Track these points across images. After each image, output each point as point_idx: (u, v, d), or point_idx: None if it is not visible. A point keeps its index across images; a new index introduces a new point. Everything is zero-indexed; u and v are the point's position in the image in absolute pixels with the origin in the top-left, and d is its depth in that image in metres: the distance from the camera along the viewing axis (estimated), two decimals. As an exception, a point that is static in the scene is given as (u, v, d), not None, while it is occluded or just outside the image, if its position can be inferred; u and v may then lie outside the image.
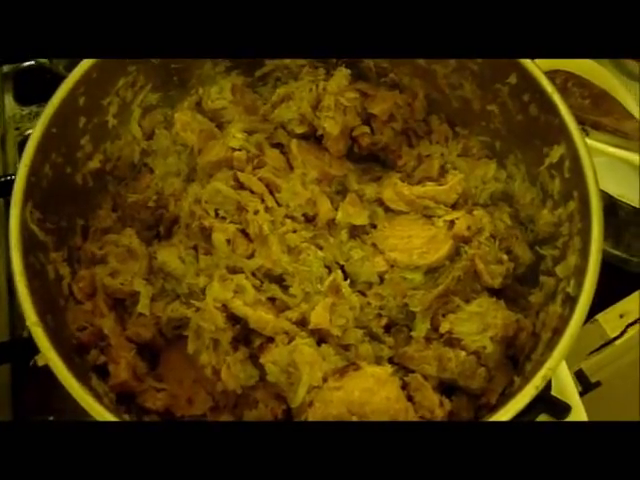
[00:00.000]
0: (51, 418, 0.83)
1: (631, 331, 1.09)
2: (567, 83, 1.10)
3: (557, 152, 0.74)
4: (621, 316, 1.10)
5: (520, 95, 0.77)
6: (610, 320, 1.10)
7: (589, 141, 1.02)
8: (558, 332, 0.65)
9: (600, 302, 1.16)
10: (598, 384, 1.21)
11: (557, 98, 0.72)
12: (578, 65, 1.13)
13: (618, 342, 1.10)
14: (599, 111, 1.09)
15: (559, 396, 0.83)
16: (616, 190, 1.07)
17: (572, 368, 1.22)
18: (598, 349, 1.14)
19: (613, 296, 1.12)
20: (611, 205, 1.02)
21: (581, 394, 1.24)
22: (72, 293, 0.75)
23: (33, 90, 1.04)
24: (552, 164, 0.75)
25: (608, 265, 1.01)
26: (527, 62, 0.74)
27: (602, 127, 1.10)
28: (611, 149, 1.03)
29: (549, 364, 0.62)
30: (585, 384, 1.22)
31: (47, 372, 0.62)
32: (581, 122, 1.08)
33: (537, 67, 0.74)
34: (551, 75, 1.06)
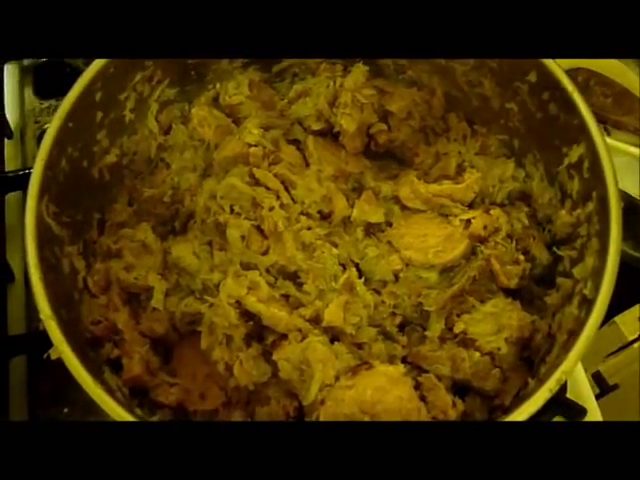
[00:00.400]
0: (65, 410, 0.84)
1: (650, 334, 1.08)
2: (589, 81, 1.09)
3: (576, 152, 0.73)
4: (640, 318, 1.09)
5: (540, 93, 0.76)
6: (628, 322, 1.09)
7: (610, 140, 1.01)
8: (574, 334, 0.64)
9: (618, 304, 1.15)
10: (616, 387, 1.20)
11: (577, 97, 0.71)
12: (600, 63, 1.12)
13: (636, 345, 1.08)
14: (621, 110, 1.08)
15: (575, 399, 0.82)
16: (637, 190, 1.05)
17: (589, 370, 1.21)
18: (616, 351, 1.12)
19: (632, 298, 1.10)
20: (631, 206, 1.01)
21: (598, 396, 1.23)
22: (87, 287, 0.75)
23: (52, 84, 1.04)
24: (571, 164, 0.74)
25: (627, 267, 1.00)
26: (547, 60, 0.73)
27: (624, 126, 1.08)
28: (632, 149, 1.02)
29: (564, 367, 0.61)
30: (603, 386, 1.20)
31: (61, 364, 0.62)
32: (602, 121, 1.08)
33: (557, 65, 0.73)
34: (572, 73, 1.06)
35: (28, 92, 1.06)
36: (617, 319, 1.10)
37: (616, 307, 1.15)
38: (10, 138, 1.01)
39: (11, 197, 0.92)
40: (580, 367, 0.88)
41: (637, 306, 1.10)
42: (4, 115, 0.99)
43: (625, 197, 1.02)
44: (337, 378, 0.70)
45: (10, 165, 0.96)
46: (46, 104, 1.04)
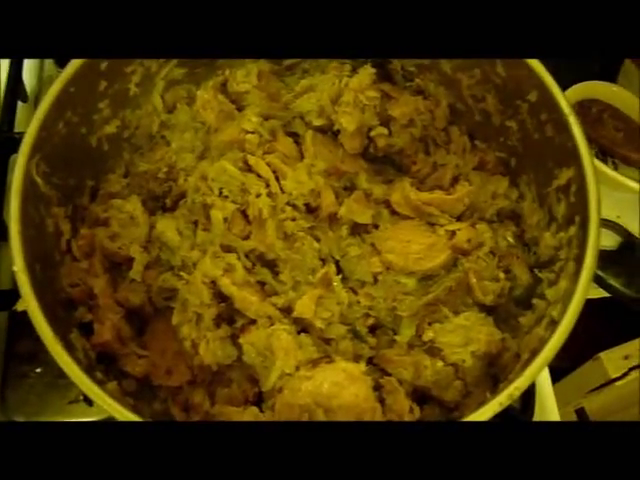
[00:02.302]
0: (38, 370, 0.85)
1: (634, 374, 1.07)
2: (603, 113, 1.08)
3: (566, 175, 0.73)
4: (625, 357, 1.08)
5: (538, 114, 0.76)
6: (613, 360, 1.08)
7: (614, 174, 1.00)
8: (535, 353, 0.63)
9: (606, 340, 1.14)
10: (597, 425, 1.18)
11: (573, 120, 0.71)
12: (618, 98, 1.11)
13: (618, 383, 1.07)
14: (631, 146, 1.07)
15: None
16: (637, 227, 1.04)
17: (572, 404, 1.20)
18: (598, 387, 1.11)
19: (620, 336, 1.10)
20: (628, 243, 1.00)
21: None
22: (70, 250, 0.77)
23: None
24: (560, 186, 0.74)
25: (618, 304, 1.00)
26: (548, 80, 0.73)
27: (632, 162, 1.08)
28: (633, 184, 1.01)
29: (517, 383, 0.61)
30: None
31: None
32: (611, 155, 1.07)
33: (557, 87, 0.73)
34: (588, 104, 1.06)
35: (49, 60, 1.09)
36: (602, 355, 1.09)
37: (603, 343, 1.15)
38: (25, 102, 1.03)
39: (16, 158, 0.94)
40: (551, 395, 0.87)
41: (625, 344, 1.09)
42: (21, 78, 1.01)
43: (623, 233, 1.01)
44: (298, 368, 0.70)
45: (21, 128, 0.98)
46: (63, 72, 1.06)
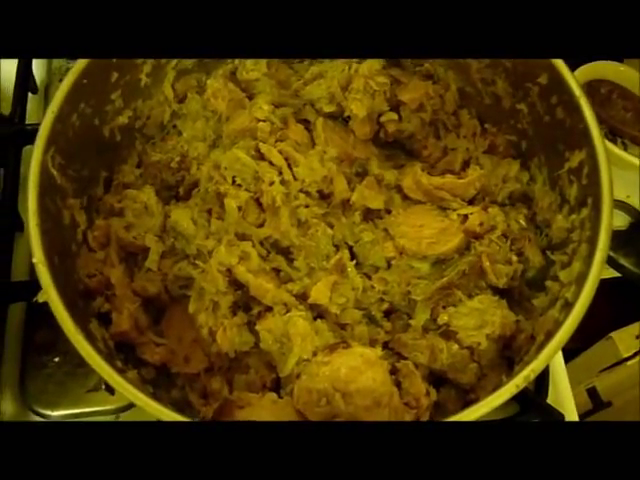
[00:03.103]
0: (57, 359, 0.86)
1: (645, 353, 1.08)
2: (612, 94, 1.08)
3: (577, 157, 0.73)
4: (637, 337, 1.09)
5: (549, 96, 0.76)
6: (625, 339, 1.09)
7: (623, 154, 1.00)
8: (549, 336, 0.64)
9: (617, 320, 1.15)
10: (609, 404, 1.20)
11: (584, 102, 0.71)
12: (626, 77, 1.11)
13: (630, 363, 1.08)
14: (641, 126, 1.07)
15: (555, 405, 0.83)
16: (647, 207, 1.05)
17: (584, 384, 1.21)
18: (609, 367, 1.12)
19: (631, 315, 1.10)
20: (638, 223, 1.00)
21: (591, 412, 1.23)
22: (86, 241, 0.77)
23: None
24: (571, 169, 0.74)
25: (628, 283, 1.00)
26: (558, 63, 0.73)
27: (641, 142, 1.08)
28: (644, 164, 1.01)
29: (533, 365, 0.61)
30: (596, 403, 1.20)
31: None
32: (620, 135, 1.07)
33: (567, 69, 0.73)
34: (596, 84, 1.06)
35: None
36: (614, 335, 1.10)
37: (614, 323, 1.15)
38: (35, 93, 1.04)
39: (28, 150, 0.95)
40: (565, 376, 0.88)
41: (636, 324, 1.10)
42: (31, 70, 1.01)
43: (633, 213, 1.01)
44: (315, 354, 0.71)
45: (32, 119, 0.98)
46: (73, 64, 1.06)
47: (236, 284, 0.76)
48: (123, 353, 0.75)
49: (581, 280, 0.66)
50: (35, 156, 0.69)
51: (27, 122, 0.97)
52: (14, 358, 0.86)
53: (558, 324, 0.65)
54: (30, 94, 1.01)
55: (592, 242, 0.68)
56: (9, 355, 0.86)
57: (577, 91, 0.72)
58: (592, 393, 1.21)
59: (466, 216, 0.80)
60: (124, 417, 0.83)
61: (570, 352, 1.19)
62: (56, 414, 0.83)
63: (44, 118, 0.71)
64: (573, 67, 0.76)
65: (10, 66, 1.00)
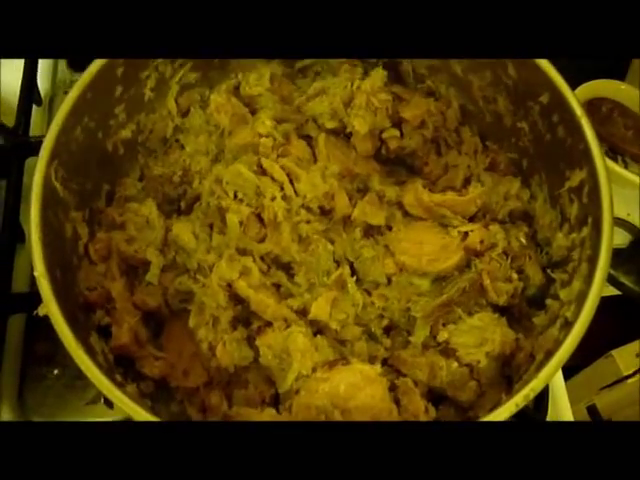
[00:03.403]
0: (56, 372, 0.86)
1: (645, 372, 1.07)
2: (612, 112, 1.09)
3: (578, 176, 0.73)
4: (637, 355, 1.08)
5: (550, 115, 0.76)
6: (625, 357, 1.09)
7: (624, 172, 1.01)
8: (549, 355, 0.64)
9: (617, 338, 1.15)
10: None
11: (585, 122, 0.72)
12: (627, 96, 1.12)
13: (630, 381, 1.08)
14: (641, 144, 1.08)
15: (555, 423, 0.83)
16: (649, 226, 1.05)
17: (584, 401, 1.20)
18: (610, 385, 1.12)
19: (631, 333, 1.10)
20: (639, 240, 1.01)
21: (590, 430, 1.22)
22: (87, 253, 0.78)
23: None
24: (572, 188, 0.75)
25: (629, 301, 1.01)
26: (560, 82, 0.74)
27: (642, 160, 1.08)
28: (645, 183, 1.01)
29: (533, 384, 0.61)
30: (596, 420, 1.20)
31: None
32: (621, 153, 1.07)
33: (568, 88, 0.73)
34: (597, 102, 1.06)
35: (62, 63, 1.09)
36: (614, 353, 1.10)
37: (615, 341, 1.15)
38: (39, 105, 1.04)
39: (31, 161, 0.95)
40: (564, 394, 0.88)
41: (636, 342, 1.10)
42: (36, 82, 1.02)
43: (634, 231, 1.02)
44: (314, 370, 0.71)
45: (35, 131, 0.99)
46: (77, 77, 1.06)
47: (236, 299, 0.76)
48: (122, 367, 0.75)
49: (581, 299, 0.66)
50: (39, 169, 0.69)
51: (31, 134, 0.97)
52: (13, 369, 0.86)
53: (558, 343, 0.65)
54: (34, 106, 1.02)
55: (592, 261, 0.68)
56: (8, 366, 0.86)
57: (578, 110, 0.72)
58: (592, 411, 1.21)
59: (467, 233, 0.80)
60: (123, 430, 0.83)
61: (570, 370, 1.19)
62: (54, 426, 0.83)
63: (48, 131, 0.71)
64: (574, 85, 0.77)
65: (15, 78, 1.01)
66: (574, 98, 0.73)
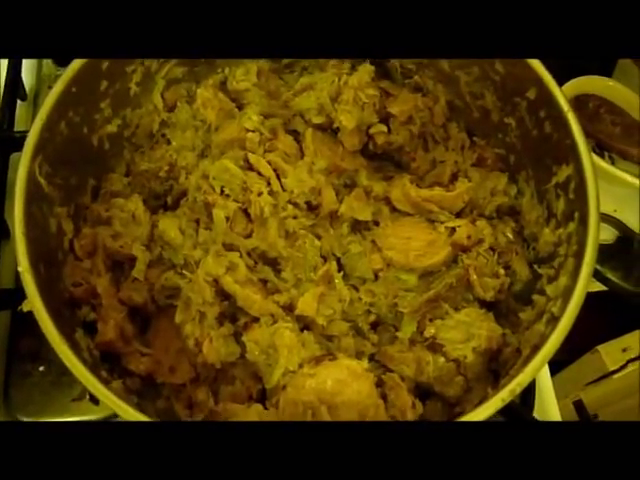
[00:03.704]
0: (41, 368, 0.85)
1: (631, 367, 1.08)
2: (599, 109, 1.09)
3: (565, 172, 0.73)
4: (623, 350, 1.09)
5: (537, 111, 0.76)
6: (611, 352, 1.09)
7: (612, 169, 1.01)
8: (535, 349, 0.64)
9: (604, 333, 1.15)
10: (595, 417, 1.20)
11: (571, 117, 0.72)
12: (614, 93, 1.12)
13: (616, 376, 1.08)
14: (629, 141, 1.08)
15: (541, 418, 0.83)
16: (636, 221, 1.05)
17: (570, 396, 1.21)
18: (596, 380, 1.12)
19: (617, 329, 1.11)
20: (626, 237, 1.01)
21: (577, 425, 1.23)
22: (72, 249, 0.77)
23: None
24: (559, 183, 0.75)
25: (616, 297, 1.01)
26: (547, 78, 0.74)
27: (629, 157, 1.09)
28: (632, 179, 1.02)
29: (519, 379, 0.61)
30: (582, 416, 1.21)
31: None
32: (608, 149, 1.08)
33: (556, 84, 0.73)
34: (584, 99, 1.06)
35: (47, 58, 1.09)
36: (600, 348, 1.10)
37: (601, 336, 1.16)
38: (24, 100, 1.03)
39: (16, 157, 0.94)
40: (551, 390, 0.88)
41: (622, 337, 1.10)
42: (20, 77, 1.01)
43: (622, 228, 1.02)
44: (301, 366, 0.71)
45: (20, 126, 0.98)
46: (62, 71, 1.05)
47: (223, 294, 0.76)
48: (108, 363, 0.74)
49: (567, 294, 0.66)
50: (22, 164, 0.69)
51: (15, 129, 0.97)
52: (-3, 365, 0.85)
53: (544, 338, 0.65)
54: (19, 101, 1.01)
55: (579, 256, 0.68)
56: (-7, 362, 0.85)
57: (565, 106, 0.72)
58: (578, 406, 1.22)
59: (454, 229, 0.80)
60: (109, 427, 0.82)
61: (556, 365, 1.19)
62: (40, 423, 0.82)
63: (32, 125, 0.70)
64: (561, 81, 0.77)
65: (-1, 73, 1.00)
66: (561, 94, 0.73)
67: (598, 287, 0.99)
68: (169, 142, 0.87)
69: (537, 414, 0.83)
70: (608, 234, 1.03)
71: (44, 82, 1.07)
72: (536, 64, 0.74)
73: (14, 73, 0.99)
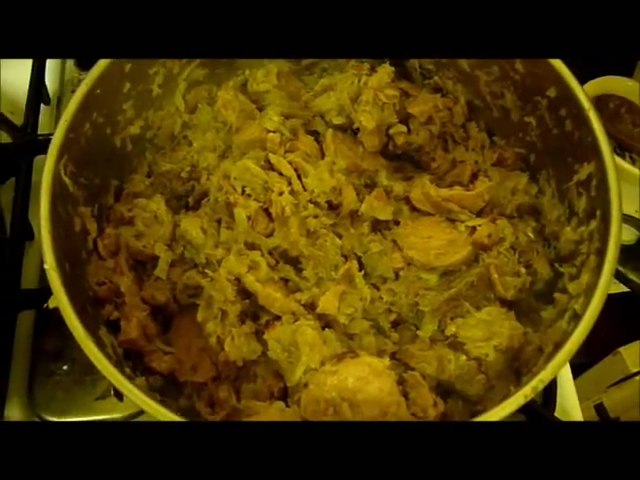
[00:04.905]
0: (65, 367, 0.86)
1: (654, 368, 1.07)
2: (620, 108, 1.08)
3: (586, 170, 0.73)
4: (645, 351, 1.08)
5: (558, 109, 0.76)
6: (633, 354, 1.08)
7: (632, 169, 1.00)
8: (558, 347, 0.64)
9: (625, 335, 1.14)
10: (617, 420, 1.19)
11: (593, 115, 0.72)
12: (635, 92, 1.11)
13: (638, 378, 1.07)
14: (649, 141, 1.07)
15: (563, 419, 0.83)
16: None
17: (591, 399, 1.20)
18: (617, 382, 1.11)
19: (639, 330, 1.10)
20: (647, 237, 1.00)
21: (598, 428, 1.22)
22: (96, 249, 0.78)
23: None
24: (580, 181, 0.74)
25: (637, 299, 1.00)
26: (567, 76, 0.74)
27: (651, 157, 1.08)
28: (655, 180, 1.01)
29: (541, 376, 0.61)
30: (604, 418, 1.19)
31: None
32: (629, 150, 1.07)
33: (576, 82, 0.73)
34: (605, 99, 1.06)
35: (70, 62, 1.10)
36: (622, 350, 1.09)
37: (622, 338, 1.15)
38: (47, 104, 1.05)
39: (40, 159, 0.95)
40: (573, 390, 0.87)
41: (644, 339, 1.09)
42: (44, 81, 1.03)
43: (642, 227, 1.01)
44: (323, 363, 0.71)
45: (44, 130, 0.99)
46: (84, 75, 1.07)
47: (245, 293, 0.76)
48: (131, 361, 0.75)
49: (590, 292, 0.66)
50: (48, 163, 0.70)
51: (39, 132, 0.98)
52: (23, 365, 0.86)
53: (567, 335, 0.64)
54: (42, 105, 1.02)
55: (601, 254, 0.68)
56: (18, 362, 0.86)
57: (586, 104, 0.72)
58: (600, 409, 1.21)
59: (474, 228, 0.80)
60: (132, 426, 0.83)
61: (578, 367, 1.18)
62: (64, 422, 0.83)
63: (58, 127, 0.71)
64: (582, 82, 0.76)
65: (23, 77, 1.02)
66: (582, 91, 0.73)
67: (619, 288, 0.98)
68: (190, 143, 0.88)
69: (559, 415, 0.83)
70: (630, 235, 1.02)
71: (67, 86, 1.08)
72: (556, 62, 0.74)
73: (38, 77, 1.01)
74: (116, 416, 0.83)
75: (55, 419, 0.83)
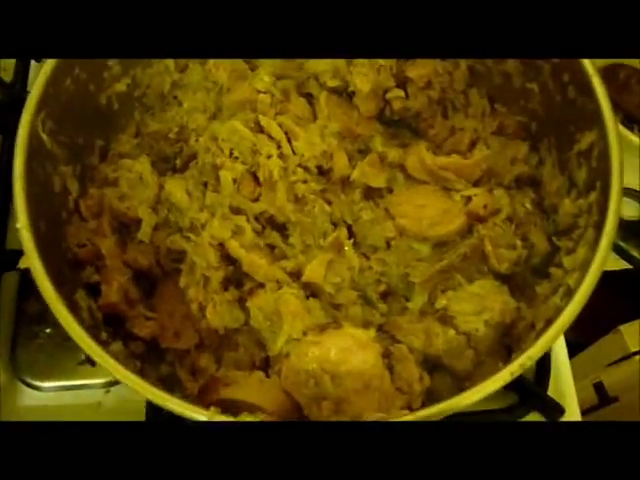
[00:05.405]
0: (48, 330, 0.85)
1: (654, 348, 1.05)
2: (630, 79, 1.05)
3: (588, 138, 0.70)
4: (646, 331, 1.05)
5: (560, 75, 0.73)
6: (634, 333, 1.06)
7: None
8: (549, 323, 0.61)
9: (626, 313, 1.12)
10: (615, 399, 1.17)
11: (596, 81, 0.68)
12: (647, 63, 1.07)
13: (638, 357, 1.05)
14: (659, 113, 1.03)
15: (557, 398, 0.81)
16: (664, 199, 1.01)
17: (590, 377, 1.18)
18: (617, 361, 1.09)
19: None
20: (652, 212, 0.97)
21: (597, 407, 1.20)
22: (78, 209, 0.76)
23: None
24: (581, 151, 0.72)
25: (638, 275, 0.97)
26: (572, 40, 0.70)
27: (659, 130, 1.04)
28: (660, 152, 0.97)
29: (530, 352, 0.59)
30: (602, 397, 1.18)
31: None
32: (637, 122, 1.03)
33: (581, 46, 0.70)
34: (614, 69, 1.02)
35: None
36: (622, 328, 1.07)
37: (623, 316, 1.12)
38: (37, 61, 1.02)
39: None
40: (568, 368, 0.85)
41: (645, 318, 1.07)
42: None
43: (647, 202, 0.98)
44: (305, 334, 0.69)
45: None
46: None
47: (229, 259, 0.74)
48: (112, 326, 0.73)
49: (585, 266, 0.63)
50: (24, 118, 0.68)
51: (28, 89, 0.95)
52: (6, 328, 0.85)
53: (559, 311, 0.62)
54: (32, 61, 1.00)
55: (599, 227, 0.65)
56: (1, 325, 0.84)
57: (590, 69, 0.69)
58: (599, 388, 1.19)
59: (470, 198, 0.77)
60: (114, 390, 0.82)
61: (577, 345, 1.16)
62: (46, 385, 0.82)
63: (37, 80, 0.69)
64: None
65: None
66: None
67: (621, 265, 0.95)
68: (180, 104, 0.85)
69: (552, 393, 0.81)
70: (633, 210, 0.99)
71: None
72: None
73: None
74: (97, 381, 0.81)
75: (37, 382, 0.82)
